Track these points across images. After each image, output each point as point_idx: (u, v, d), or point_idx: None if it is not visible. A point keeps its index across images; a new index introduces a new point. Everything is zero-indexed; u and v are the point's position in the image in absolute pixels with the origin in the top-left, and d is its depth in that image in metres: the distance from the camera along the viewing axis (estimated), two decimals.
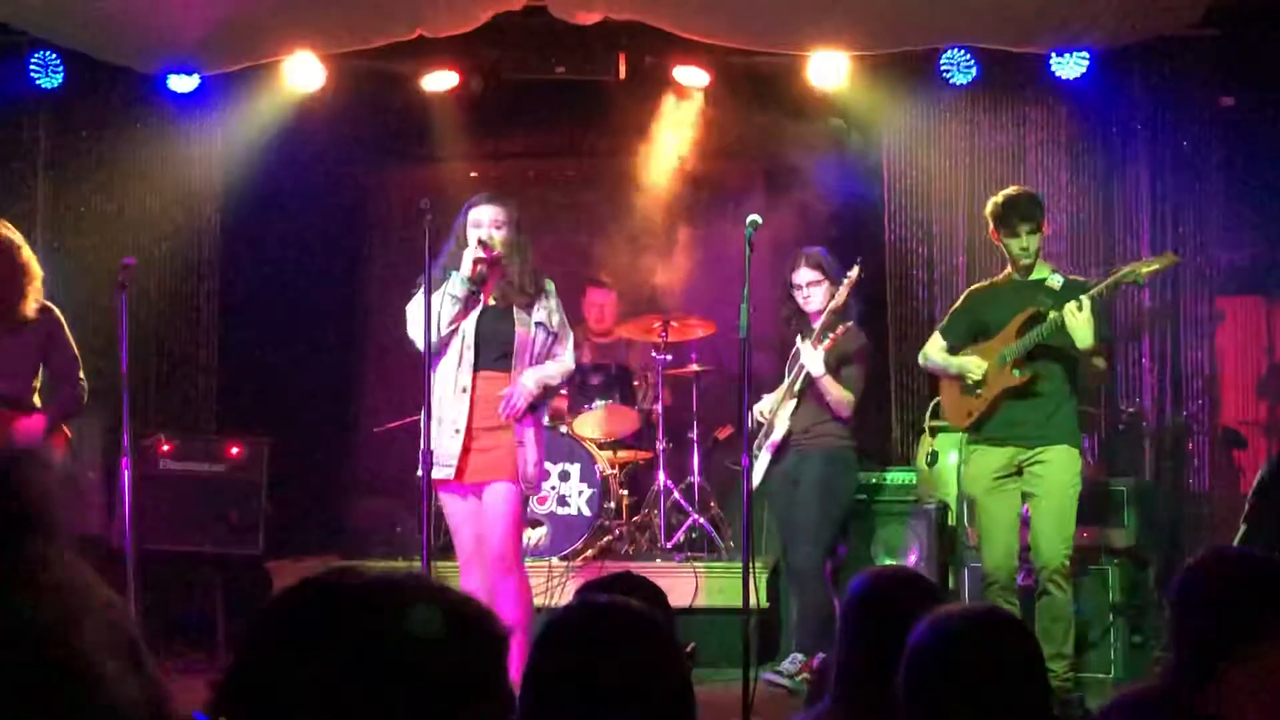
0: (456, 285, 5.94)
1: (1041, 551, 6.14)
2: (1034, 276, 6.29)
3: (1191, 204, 8.11)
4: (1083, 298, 5.91)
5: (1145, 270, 6.06)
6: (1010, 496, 6.25)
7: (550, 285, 6.20)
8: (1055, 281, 6.23)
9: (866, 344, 7.07)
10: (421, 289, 5.90)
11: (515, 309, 6.06)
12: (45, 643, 1.25)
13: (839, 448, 6.98)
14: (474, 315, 6.02)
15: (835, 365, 6.89)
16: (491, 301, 6.09)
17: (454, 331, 6.00)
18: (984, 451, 6.32)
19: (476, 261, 5.93)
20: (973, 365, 6.28)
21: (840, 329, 6.84)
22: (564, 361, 6.17)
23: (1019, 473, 6.25)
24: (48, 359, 6.43)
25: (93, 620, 1.29)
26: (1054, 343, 6.12)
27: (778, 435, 6.99)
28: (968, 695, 2.45)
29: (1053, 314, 6.02)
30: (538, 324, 6.06)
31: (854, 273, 6.84)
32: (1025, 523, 6.36)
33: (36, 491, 1.37)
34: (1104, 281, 6.10)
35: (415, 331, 5.96)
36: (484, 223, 6.03)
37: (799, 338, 7.01)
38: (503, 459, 5.95)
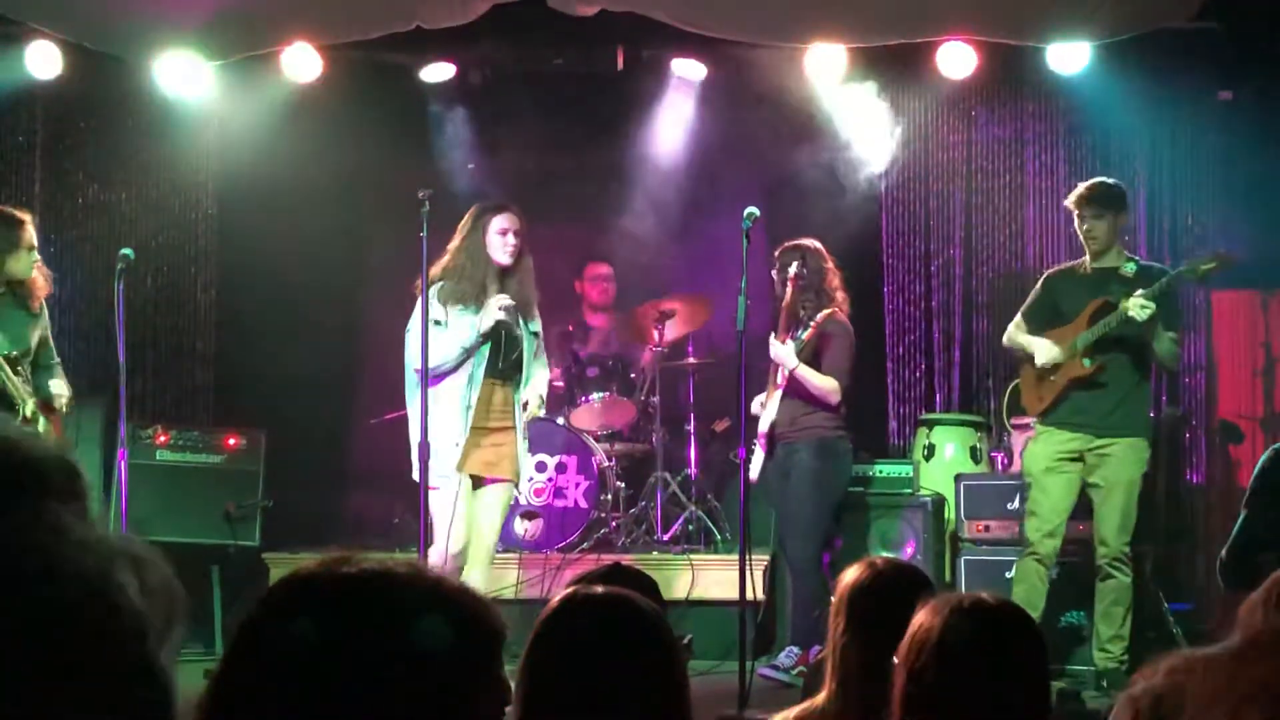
0: (471, 338, 6.14)
1: (1106, 538, 6.33)
2: (1109, 264, 6.42)
3: (1189, 198, 8.12)
4: (1144, 299, 6.05)
5: (1204, 268, 6.25)
6: (1069, 479, 6.41)
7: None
8: (1129, 269, 6.37)
9: (846, 329, 6.96)
10: (420, 310, 6.11)
11: (522, 319, 6.23)
12: (88, 595, 1.25)
13: (828, 438, 6.91)
14: (485, 329, 6.18)
15: (814, 354, 6.85)
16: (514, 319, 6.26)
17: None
18: (1051, 433, 6.47)
19: (500, 323, 6.16)
20: (1040, 347, 6.43)
21: (821, 316, 6.81)
22: (548, 367, 6.60)
23: (1082, 460, 6.38)
24: (37, 355, 6.45)
25: (129, 575, 1.30)
26: (1123, 333, 6.25)
27: (763, 427, 6.96)
28: (969, 685, 2.44)
29: (1123, 304, 6.12)
30: (534, 334, 6.26)
31: (792, 270, 6.83)
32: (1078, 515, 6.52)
33: (42, 455, 1.36)
34: (1165, 277, 6.26)
35: (413, 357, 6.19)
36: (510, 230, 6.21)
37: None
38: (506, 456, 6.25)
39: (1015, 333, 6.69)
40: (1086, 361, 6.34)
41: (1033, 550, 6.37)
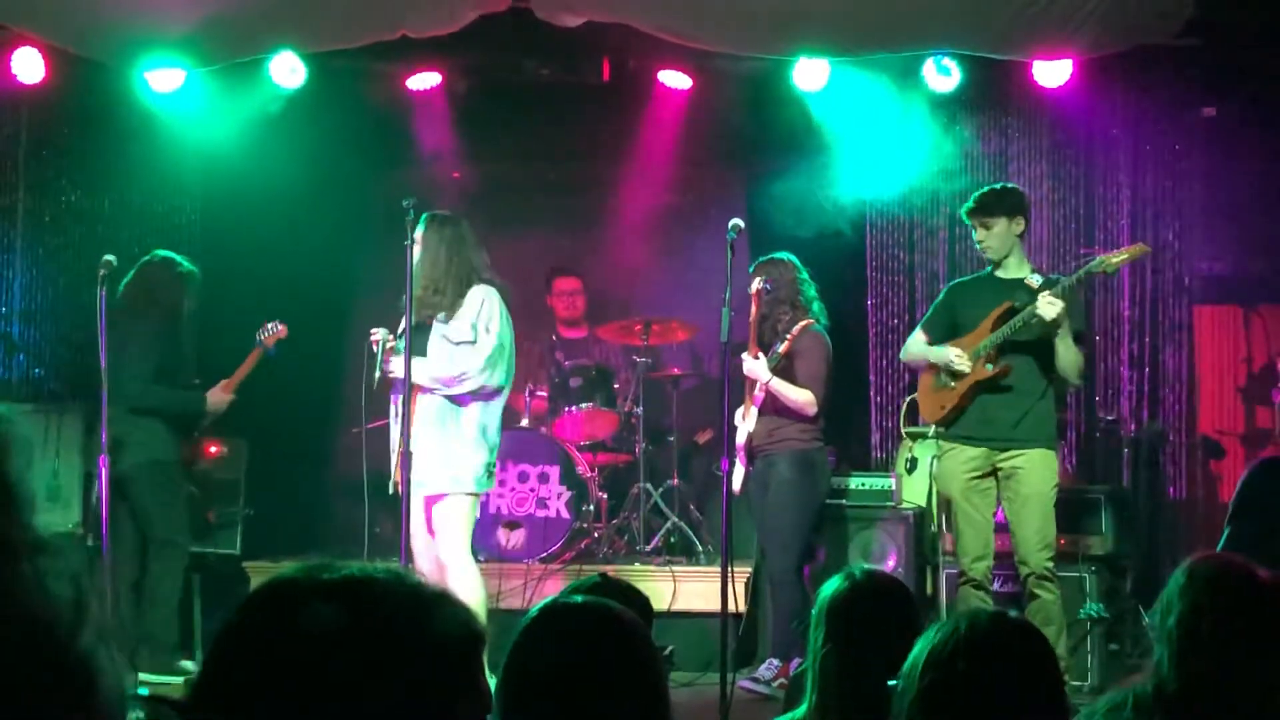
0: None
1: (1025, 556, 6.14)
2: (1013, 275, 6.29)
3: (1171, 213, 8.15)
4: (1048, 287, 5.94)
5: (1115, 260, 6.12)
6: (986, 496, 6.27)
7: (471, 298, 6.20)
8: (1034, 280, 6.19)
9: (820, 339, 6.95)
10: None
11: (433, 324, 6.16)
12: (54, 634, 1.23)
13: (804, 450, 6.90)
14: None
15: (790, 366, 6.86)
16: (416, 322, 6.22)
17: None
18: (958, 450, 6.31)
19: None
20: (953, 354, 6.27)
21: (796, 329, 6.82)
22: (456, 364, 6.16)
23: (994, 474, 6.25)
24: None
25: (92, 608, 1.28)
26: (1027, 337, 6.12)
27: (740, 440, 6.96)
28: (983, 700, 2.39)
29: (1027, 309, 6.03)
30: (442, 337, 6.12)
31: (755, 286, 6.84)
32: (1003, 527, 6.37)
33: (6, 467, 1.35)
34: (1076, 273, 6.15)
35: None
36: (416, 241, 6.15)
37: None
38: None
39: (915, 346, 6.56)
40: (989, 366, 6.18)
41: (967, 578, 6.25)
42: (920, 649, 2.46)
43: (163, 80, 7.70)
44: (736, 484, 6.94)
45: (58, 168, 8.40)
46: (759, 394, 6.87)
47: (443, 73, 8.36)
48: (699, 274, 8.39)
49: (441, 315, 6.15)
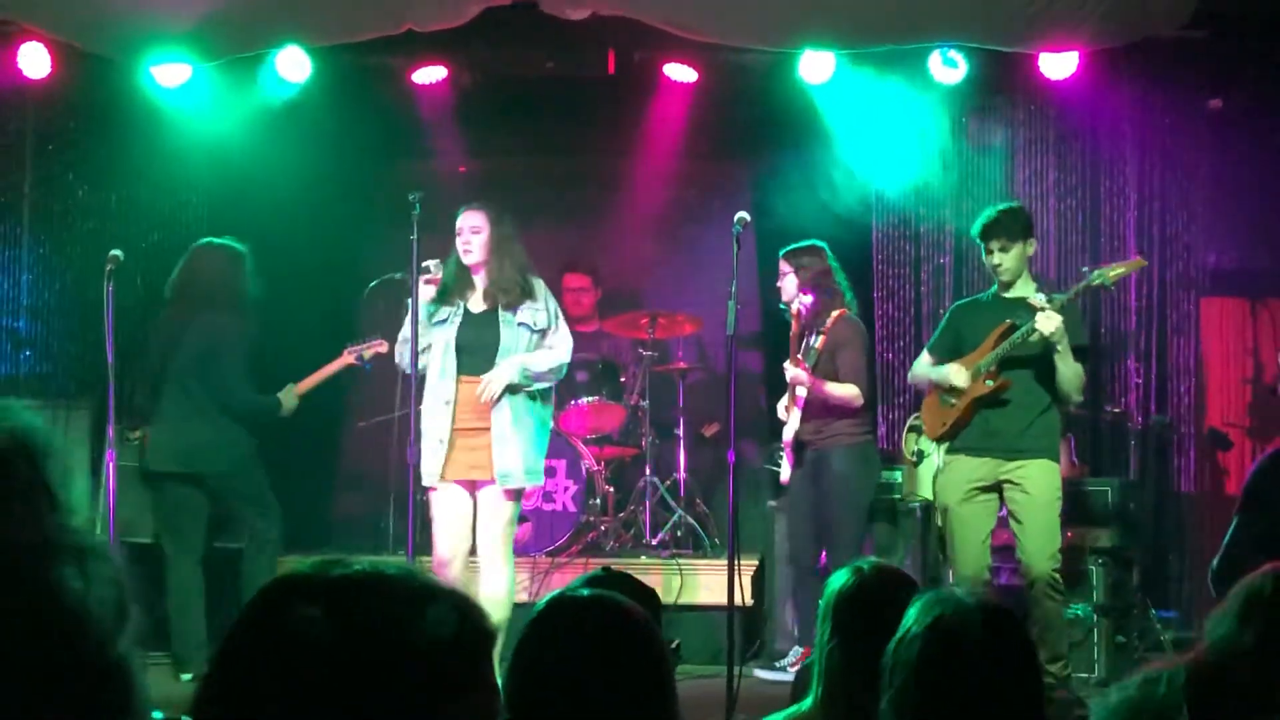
0: (426, 315, 6.21)
1: (1032, 565, 6.11)
2: (1017, 294, 6.25)
3: (1178, 205, 8.13)
4: (1048, 303, 5.93)
5: (1112, 274, 6.11)
6: (984, 508, 6.24)
7: (538, 285, 6.26)
8: (1038, 300, 6.12)
9: (857, 328, 7.00)
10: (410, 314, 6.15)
11: (500, 311, 6.15)
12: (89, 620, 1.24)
13: (855, 443, 6.91)
14: (455, 325, 6.14)
15: (830, 359, 6.85)
16: (475, 309, 6.19)
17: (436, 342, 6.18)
18: (961, 461, 6.29)
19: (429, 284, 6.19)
20: (953, 372, 6.27)
21: (830, 321, 6.81)
22: (555, 352, 6.27)
23: (997, 488, 6.22)
24: None
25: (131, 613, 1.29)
26: (1028, 352, 6.10)
27: (787, 435, 6.96)
28: (959, 686, 2.39)
29: (1026, 324, 6.01)
30: (520, 324, 6.14)
31: (796, 306, 6.83)
32: (1004, 524, 6.36)
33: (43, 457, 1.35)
34: (1074, 288, 6.16)
35: (402, 352, 6.30)
36: (463, 230, 6.18)
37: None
38: (485, 458, 6.10)
39: (921, 368, 6.55)
40: (989, 382, 6.16)
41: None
42: (890, 647, 2.43)
43: (169, 75, 7.70)
44: (784, 477, 6.97)
45: (64, 163, 8.40)
46: (801, 395, 6.87)
47: (448, 66, 8.35)
48: (705, 267, 8.39)
49: (509, 304, 6.20)
